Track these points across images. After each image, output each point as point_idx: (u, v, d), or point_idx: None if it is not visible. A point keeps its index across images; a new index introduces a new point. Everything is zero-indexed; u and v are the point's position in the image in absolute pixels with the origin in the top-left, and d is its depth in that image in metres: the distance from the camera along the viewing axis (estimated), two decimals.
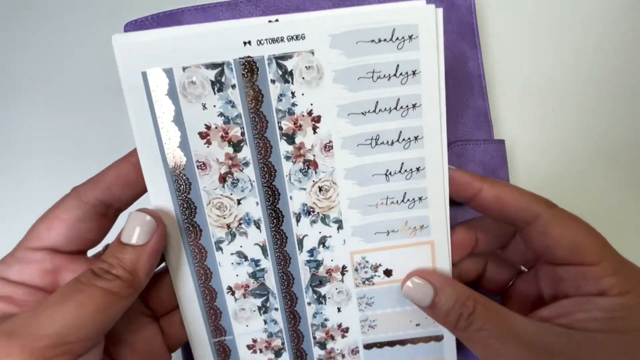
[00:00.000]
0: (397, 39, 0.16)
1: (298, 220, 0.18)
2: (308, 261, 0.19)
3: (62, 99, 0.31)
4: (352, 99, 0.17)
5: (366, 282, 0.19)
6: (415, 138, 0.18)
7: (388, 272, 0.19)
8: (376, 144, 0.18)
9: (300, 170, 0.18)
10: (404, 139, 0.17)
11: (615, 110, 0.29)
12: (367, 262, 0.19)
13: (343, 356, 0.20)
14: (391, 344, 0.20)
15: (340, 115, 0.17)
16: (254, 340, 0.20)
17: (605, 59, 0.29)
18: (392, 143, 0.18)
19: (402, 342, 0.20)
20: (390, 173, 0.18)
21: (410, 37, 0.16)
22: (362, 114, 0.17)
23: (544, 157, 0.28)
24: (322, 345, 0.20)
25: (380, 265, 0.19)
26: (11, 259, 0.16)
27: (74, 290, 0.15)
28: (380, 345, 0.20)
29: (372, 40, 0.16)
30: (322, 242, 0.19)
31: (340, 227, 0.19)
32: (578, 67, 0.29)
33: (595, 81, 0.29)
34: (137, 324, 0.18)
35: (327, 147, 0.18)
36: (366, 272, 0.19)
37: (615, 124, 0.29)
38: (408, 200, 0.18)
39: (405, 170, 0.18)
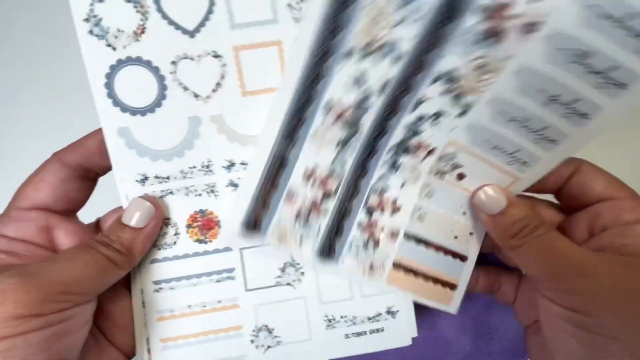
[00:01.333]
0: None
1: (435, 81, 0.17)
2: (412, 123, 0.18)
3: (61, 99, 0.30)
4: None
5: (438, 174, 0.19)
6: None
7: (460, 176, 0.19)
8: None
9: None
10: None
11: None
12: (454, 157, 0.19)
13: (381, 231, 0.19)
14: (427, 244, 0.20)
15: None
16: (313, 170, 0.18)
17: None
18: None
19: (437, 248, 0.20)
20: (550, 100, 0.17)
21: None
22: None
23: None
24: (369, 210, 0.19)
25: (461, 166, 0.19)
26: (6, 218, 0.17)
27: (82, 252, 0.17)
28: (418, 240, 0.20)
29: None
30: (438, 115, 0.18)
31: (463, 114, 0.17)
32: None
33: None
34: (118, 294, 0.19)
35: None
36: (445, 165, 0.19)
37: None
38: (539, 136, 0.18)
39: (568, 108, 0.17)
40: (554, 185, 0.20)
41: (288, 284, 0.20)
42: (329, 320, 0.20)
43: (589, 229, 0.19)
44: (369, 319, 0.20)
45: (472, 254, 0.20)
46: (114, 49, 0.17)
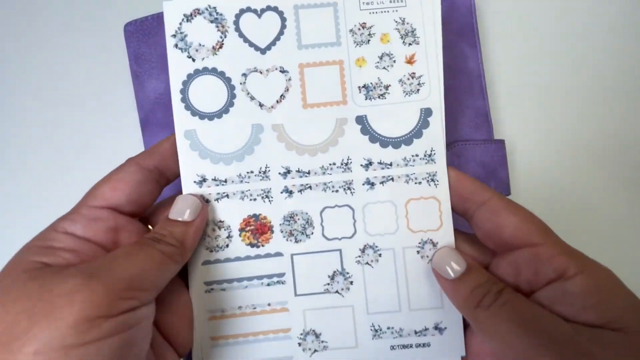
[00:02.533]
0: None
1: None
2: None
3: (62, 99, 0.30)
4: None
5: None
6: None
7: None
8: None
9: None
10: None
11: (615, 110, 0.29)
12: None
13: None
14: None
15: None
16: None
17: (605, 59, 0.29)
18: None
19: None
20: None
21: None
22: None
23: (544, 157, 0.28)
24: None
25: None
26: (77, 215, 0.17)
27: (138, 249, 0.16)
28: None
29: None
30: None
31: None
32: (578, 67, 0.29)
33: (595, 81, 0.29)
34: (177, 289, 0.19)
35: None
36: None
37: (615, 124, 0.28)
38: None
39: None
40: (463, 210, 0.19)
41: (337, 292, 0.20)
42: (376, 331, 0.20)
43: (515, 284, 0.17)
44: (416, 332, 0.20)
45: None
46: (194, 60, 0.19)
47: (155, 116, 0.26)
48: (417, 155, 0.20)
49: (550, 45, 0.29)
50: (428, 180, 0.20)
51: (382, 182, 0.20)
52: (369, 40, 0.20)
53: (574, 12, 0.29)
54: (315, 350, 0.20)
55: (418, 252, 0.20)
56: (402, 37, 0.20)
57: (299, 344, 0.20)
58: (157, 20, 0.26)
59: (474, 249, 0.20)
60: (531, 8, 0.29)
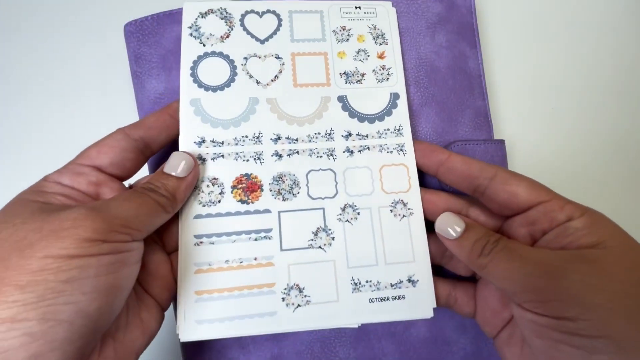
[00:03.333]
0: None
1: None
2: None
3: (62, 99, 0.30)
4: None
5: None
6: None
7: None
8: None
9: None
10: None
11: (615, 110, 0.28)
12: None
13: None
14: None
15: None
16: None
17: (605, 59, 0.29)
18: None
19: None
20: None
21: None
22: None
23: (544, 157, 0.28)
24: None
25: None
26: (64, 169, 0.20)
27: (135, 195, 0.19)
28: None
29: None
30: None
31: None
32: (578, 67, 0.29)
33: (595, 81, 0.29)
34: (151, 248, 0.20)
35: None
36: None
37: (615, 124, 0.28)
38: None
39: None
40: (473, 188, 0.21)
41: (320, 247, 0.21)
42: (355, 284, 0.21)
43: (530, 235, 0.19)
44: (392, 285, 0.21)
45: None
46: (204, 45, 0.23)
47: None
48: (388, 130, 0.23)
49: (550, 45, 0.29)
50: (397, 150, 0.23)
51: (359, 151, 0.23)
52: (348, 39, 0.25)
53: (574, 12, 0.29)
54: (299, 305, 0.20)
55: (391, 210, 0.22)
56: (374, 39, 0.25)
57: (283, 299, 0.20)
58: (157, 20, 0.26)
59: (482, 212, 0.22)
60: (531, 8, 0.29)
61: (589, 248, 0.17)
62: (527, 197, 0.19)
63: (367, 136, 0.23)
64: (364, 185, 0.22)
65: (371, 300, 0.21)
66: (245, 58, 0.23)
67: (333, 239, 0.22)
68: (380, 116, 0.24)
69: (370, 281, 0.21)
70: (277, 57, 0.24)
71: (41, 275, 0.14)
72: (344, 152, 0.23)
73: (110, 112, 0.30)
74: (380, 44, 0.25)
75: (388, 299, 0.21)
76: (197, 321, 0.19)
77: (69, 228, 0.15)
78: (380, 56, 0.25)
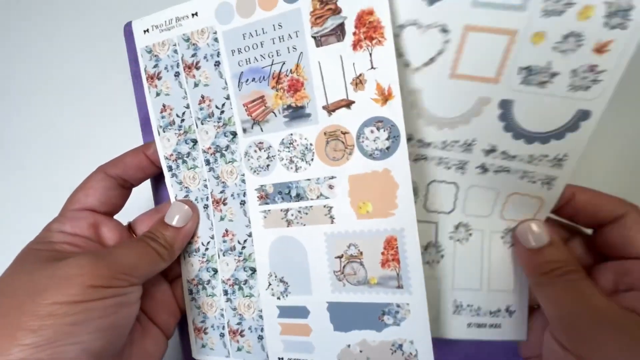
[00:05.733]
0: None
1: None
2: None
3: (62, 99, 0.31)
4: None
5: None
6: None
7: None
8: None
9: None
10: None
11: (615, 110, 0.25)
12: None
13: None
14: None
15: None
16: None
17: None
18: None
19: None
20: None
21: None
22: None
23: None
24: None
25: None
26: (62, 218, 0.21)
27: (136, 244, 0.20)
28: None
29: None
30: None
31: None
32: None
33: None
34: (155, 278, 0.22)
35: None
36: None
37: (616, 124, 0.27)
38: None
39: None
40: (593, 220, 0.19)
41: (427, 262, 0.21)
42: (457, 307, 0.21)
43: (614, 282, 0.18)
44: (490, 313, 0.21)
45: None
46: None
47: None
48: (546, 157, 0.19)
49: None
50: (543, 183, 0.19)
51: (495, 171, 0.20)
52: (562, 12, 0.16)
53: None
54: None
55: (502, 237, 0.21)
56: (608, 16, 0.15)
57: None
58: None
59: (582, 245, 0.20)
60: None
61: None
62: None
63: (514, 158, 0.19)
64: (483, 206, 0.21)
65: (469, 325, 0.21)
66: (401, 26, 0.17)
67: (442, 256, 0.22)
68: (545, 138, 0.18)
69: (472, 306, 0.21)
70: (444, 30, 0.17)
71: (50, 319, 0.16)
72: (476, 167, 0.20)
73: (110, 112, 0.30)
74: (613, 28, 0.16)
75: (485, 326, 0.21)
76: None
77: (75, 276, 0.17)
78: (599, 49, 0.16)
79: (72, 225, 0.21)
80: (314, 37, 0.19)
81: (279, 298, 0.21)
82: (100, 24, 0.31)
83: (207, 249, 0.23)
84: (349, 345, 0.20)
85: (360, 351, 0.20)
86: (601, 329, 0.16)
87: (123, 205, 0.24)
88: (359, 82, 0.18)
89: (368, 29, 0.18)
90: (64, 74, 0.32)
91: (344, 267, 0.20)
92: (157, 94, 0.23)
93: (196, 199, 0.23)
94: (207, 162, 0.22)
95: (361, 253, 0.19)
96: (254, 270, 0.22)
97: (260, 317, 0.22)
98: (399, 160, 0.18)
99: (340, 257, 0.20)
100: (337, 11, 0.18)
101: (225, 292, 0.23)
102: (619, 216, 0.18)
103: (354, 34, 0.18)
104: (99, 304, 0.17)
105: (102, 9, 0.32)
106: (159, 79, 0.22)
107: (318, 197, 0.20)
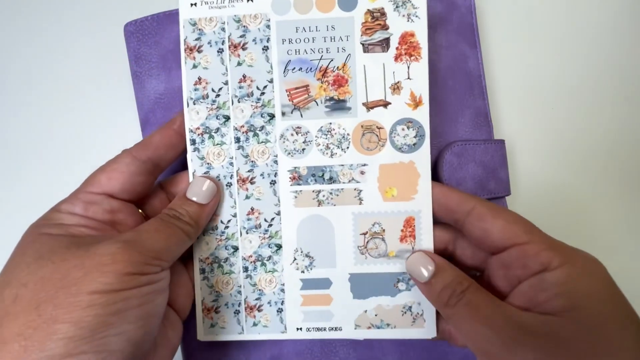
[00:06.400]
0: None
1: None
2: None
3: (62, 99, 0.30)
4: None
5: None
6: None
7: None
8: None
9: None
10: None
11: (615, 110, 0.28)
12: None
13: None
14: None
15: None
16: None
17: (605, 59, 0.28)
18: None
19: None
20: None
21: None
22: None
23: (544, 157, 0.28)
24: None
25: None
26: (75, 199, 0.19)
27: (164, 225, 0.19)
28: None
29: None
30: None
31: None
32: (578, 67, 0.28)
33: (595, 81, 0.28)
34: (177, 264, 0.21)
35: None
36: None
37: (616, 124, 0.28)
38: None
39: None
40: (454, 221, 0.20)
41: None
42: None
43: (507, 279, 0.18)
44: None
45: None
46: None
47: (155, 116, 0.26)
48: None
49: (550, 45, 0.29)
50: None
51: None
52: None
53: (575, 12, 0.29)
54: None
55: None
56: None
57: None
58: (157, 20, 0.26)
59: (469, 245, 0.21)
60: (531, 8, 0.29)
61: (553, 315, 0.16)
62: (500, 237, 0.18)
63: None
64: None
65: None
66: None
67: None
68: None
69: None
70: None
71: (92, 310, 0.15)
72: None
73: (110, 112, 0.30)
74: None
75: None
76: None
77: (110, 264, 0.16)
78: None
79: (85, 208, 0.19)
80: (362, 44, 0.22)
81: (303, 272, 0.23)
82: (100, 24, 0.29)
83: (227, 227, 0.23)
84: (365, 311, 0.23)
85: (376, 315, 0.23)
86: (511, 348, 0.16)
87: (145, 195, 0.22)
88: (396, 87, 0.22)
89: (409, 47, 0.22)
90: (63, 74, 0.30)
91: (367, 242, 0.23)
92: (194, 66, 0.22)
93: (217, 177, 0.23)
94: (237, 140, 0.23)
95: (383, 230, 0.23)
96: (279, 246, 0.23)
97: (282, 290, 0.23)
98: (423, 154, 0.23)
99: (364, 233, 0.23)
100: (385, 27, 0.22)
101: (246, 269, 0.23)
102: (469, 210, 0.19)
103: (397, 48, 0.22)
104: (135, 292, 0.16)
105: (102, 9, 0.30)
106: (199, 52, 0.22)
107: (350, 181, 0.23)
